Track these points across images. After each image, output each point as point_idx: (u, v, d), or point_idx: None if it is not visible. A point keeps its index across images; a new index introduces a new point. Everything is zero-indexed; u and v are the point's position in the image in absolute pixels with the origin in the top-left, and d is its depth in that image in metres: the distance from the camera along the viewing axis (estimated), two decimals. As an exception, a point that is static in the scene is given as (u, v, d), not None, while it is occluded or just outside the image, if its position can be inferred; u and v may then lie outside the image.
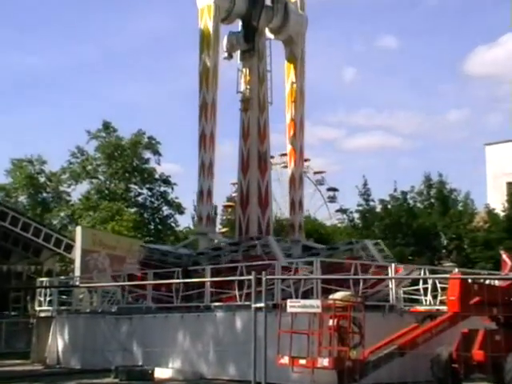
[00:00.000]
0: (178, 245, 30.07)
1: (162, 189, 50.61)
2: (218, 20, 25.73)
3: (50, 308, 25.17)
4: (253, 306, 9.54)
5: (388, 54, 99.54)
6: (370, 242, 24.26)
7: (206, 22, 25.55)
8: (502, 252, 22.10)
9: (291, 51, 27.62)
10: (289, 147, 27.63)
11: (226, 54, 27.09)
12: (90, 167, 49.73)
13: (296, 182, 27.20)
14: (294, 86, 27.34)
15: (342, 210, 57.65)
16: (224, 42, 26.99)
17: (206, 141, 25.96)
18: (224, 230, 58.48)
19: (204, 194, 26.03)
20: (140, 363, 20.17)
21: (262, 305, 9.44)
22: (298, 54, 27.59)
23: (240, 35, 26.78)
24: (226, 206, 62.25)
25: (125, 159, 49.01)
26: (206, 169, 26.14)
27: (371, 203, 39.42)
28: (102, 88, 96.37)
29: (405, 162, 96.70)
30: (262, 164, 26.16)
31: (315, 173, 61.26)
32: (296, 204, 27.05)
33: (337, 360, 14.15)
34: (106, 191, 49.26)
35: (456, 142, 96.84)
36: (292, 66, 27.62)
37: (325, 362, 13.98)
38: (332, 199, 61.25)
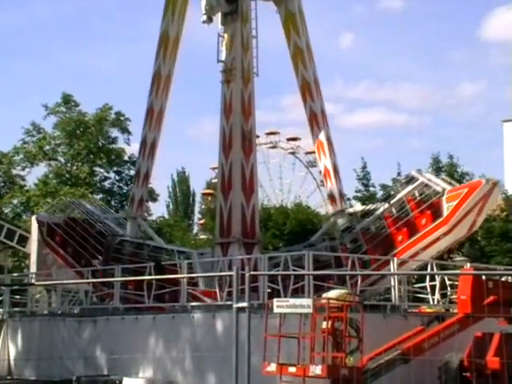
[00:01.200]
0: (118, 214, 30.48)
1: (132, 172, 50.28)
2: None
3: (0, 310, 24.99)
4: (234, 305, 9.48)
5: (391, 17, 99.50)
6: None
7: None
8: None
9: (286, 8, 27.40)
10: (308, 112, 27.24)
11: (204, 18, 26.89)
12: (47, 147, 49.24)
13: (324, 147, 27.05)
14: (298, 43, 27.11)
15: None
16: (202, 3, 26.77)
17: (152, 117, 26.79)
18: (202, 221, 58.50)
19: (140, 176, 27.36)
20: (105, 372, 20.12)
21: (244, 304, 9.38)
22: (295, 9, 27.41)
23: (221, -5, 26.57)
24: (204, 194, 62.11)
25: (88, 138, 48.59)
26: (147, 148, 27.06)
27: (371, 189, 39.55)
28: (59, 52, 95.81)
29: (410, 141, 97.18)
30: (247, 144, 26.05)
31: (306, 153, 61.17)
32: (331, 172, 26.89)
33: (331, 368, 14.19)
34: (67, 175, 48.87)
35: (469, 119, 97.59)
36: (290, 24, 27.32)
37: (317, 369, 14.00)
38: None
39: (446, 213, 23.28)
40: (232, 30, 26.41)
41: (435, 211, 23.75)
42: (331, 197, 26.53)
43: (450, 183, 24.87)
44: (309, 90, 27.02)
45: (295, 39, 27.18)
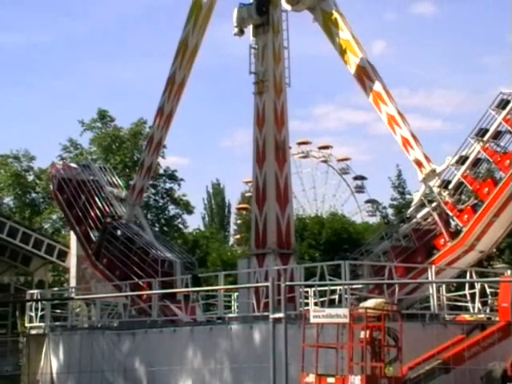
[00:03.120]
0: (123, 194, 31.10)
1: (168, 185, 50.75)
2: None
3: (41, 324, 25.35)
4: (271, 316, 9.42)
5: (423, 23, 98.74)
6: None
7: None
8: None
9: (323, 10, 27.00)
10: (377, 86, 25.90)
11: (236, 30, 27.08)
12: (84, 162, 49.88)
13: (397, 119, 25.54)
14: (344, 36, 26.23)
15: (373, 201, 57.31)
16: (233, 15, 26.96)
17: (162, 116, 28.12)
18: (238, 236, 58.25)
19: (144, 167, 29.39)
20: (145, 384, 20.23)
21: (281, 315, 9.33)
22: (332, 7, 27.07)
23: (252, 7, 26.68)
24: (239, 209, 61.92)
25: (124, 152, 49.12)
26: (153, 144, 28.93)
27: (407, 196, 39.11)
28: (94, 69, 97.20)
29: (446, 147, 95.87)
30: (280, 154, 26.04)
31: (339, 160, 60.84)
32: (410, 139, 25.31)
33: (370, 378, 14.03)
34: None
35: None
36: (330, 23, 26.59)
37: (357, 380, 13.87)
38: (360, 189, 60.77)
39: None
40: (263, 41, 26.49)
41: None
42: (417, 162, 25.41)
43: None
44: (366, 73, 25.96)
45: (340, 34, 26.56)
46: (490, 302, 20.49)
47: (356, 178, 60.80)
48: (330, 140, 63.20)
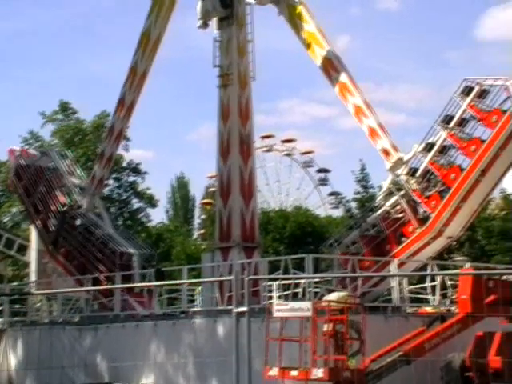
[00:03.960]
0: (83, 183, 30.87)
1: (131, 179, 50.26)
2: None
3: (0, 320, 24.93)
4: (234, 310, 9.44)
5: (387, 18, 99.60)
6: None
7: None
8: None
9: (287, 3, 26.92)
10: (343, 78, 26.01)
11: (200, 23, 26.89)
12: (44, 150, 49.18)
13: (364, 110, 25.53)
14: (309, 28, 26.32)
15: (336, 193, 57.80)
16: (198, 8, 26.79)
17: (123, 107, 28.07)
18: (202, 231, 58.10)
19: (104, 157, 29.39)
20: (107, 380, 20.07)
21: (244, 309, 9.34)
22: (297, 1, 27.03)
23: (216, 0, 26.58)
24: (203, 204, 61.79)
25: (87, 145, 48.54)
26: (114, 134, 28.94)
27: (370, 190, 39.54)
28: (60, 59, 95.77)
29: (409, 142, 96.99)
30: (245, 148, 26.02)
31: (302, 153, 61.02)
32: (377, 129, 25.43)
33: (333, 370, 14.17)
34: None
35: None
36: (296, 16, 26.65)
37: (320, 372, 13.99)
38: (323, 182, 61.14)
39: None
40: (228, 34, 26.40)
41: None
42: (384, 151, 25.59)
43: None
44: (331, 65, 26.09)
45: (305, 27, 26.64)
46: (449, 294, 20.83)
47: (319, 171, 61.18)
48: (294, 134, 63.16)
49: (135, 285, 20.01)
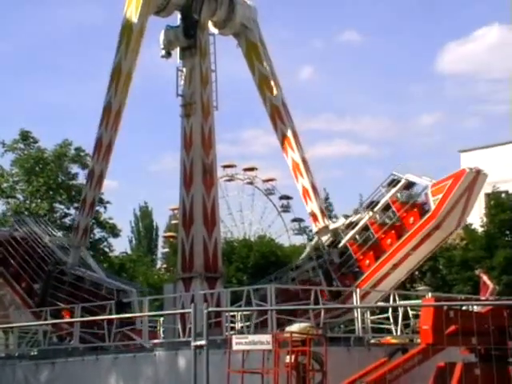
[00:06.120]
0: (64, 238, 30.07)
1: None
2: (147, 12, 25.57)
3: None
4: (192, 344, 9.29)
5: (349, 51, 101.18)
6: None
7: (132, 13, 25.48)
8: (480, 273, 22.52)
9: (247, 39, 27.49)
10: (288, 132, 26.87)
11: (163, 52, 26.99)
12: (5, 185, 48.31)
13: (300, 168, 26.56)
14: (263, 71, 27.07)
15: (298, 220, 58.07)
16: (161, 37, 26.88)
17: (101, 149, 26.42)
18: (165, 265, 57.49)
19: (87, 204, 27.24)
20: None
21: (203, 343, 9.20)
22: (256, 39, 27.54)
23: (179, 30, 26.72)
24: (166, 237, 61.19)
25: (48, 175, 47.84)
26: (94, 178, 26.94)
27: (333, 220, 39.63)
28: (17, 88, 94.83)
29: (372, 172, 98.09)
30: (208, 177, 25.99)
31: (264, 181, 61.18)
32: (310, 190, 26.45)
33: (295, 403, 14.01)
34: (26, 212, 47.96)
35: (428, 149, 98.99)
36: (253, 53, 27.36)
37: (281, 405, 13.81)
38: (286, 208, 61.27)
39: (433, 207, 22.47)
40: (191, 64, 26.49)
41: (422, 208, 23.16)
42: (313, 215, 26.12)
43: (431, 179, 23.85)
44: (278, 114, 26.83)
45: (259, 68, 27.21)
46: (411, 324, 20.89)
47: (281, 198, 61.38)
48: (257, 163, 63.17)
49: (92, 318, 19.57)
